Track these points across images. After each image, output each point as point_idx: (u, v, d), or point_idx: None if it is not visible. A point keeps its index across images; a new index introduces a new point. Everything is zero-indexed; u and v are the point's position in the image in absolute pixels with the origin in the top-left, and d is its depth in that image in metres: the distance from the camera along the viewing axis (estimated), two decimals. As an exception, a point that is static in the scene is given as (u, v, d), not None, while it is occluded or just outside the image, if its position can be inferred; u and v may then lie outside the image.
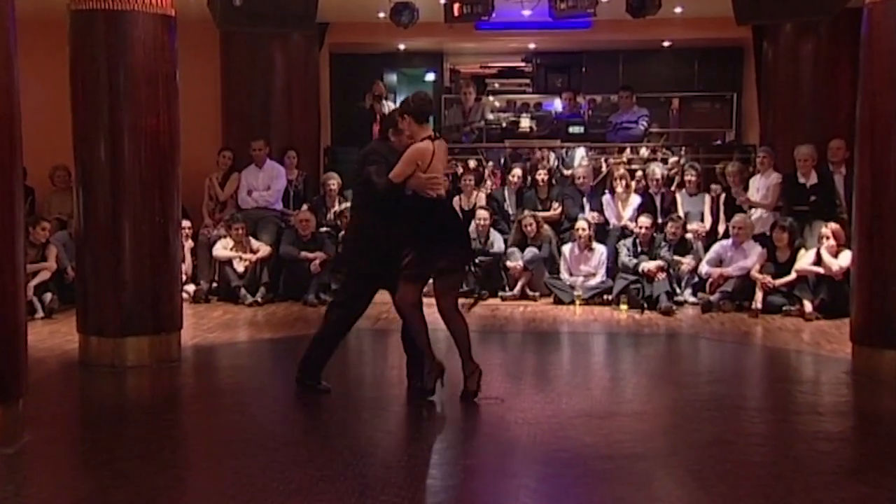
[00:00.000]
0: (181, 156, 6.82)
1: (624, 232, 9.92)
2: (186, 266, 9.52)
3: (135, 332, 6.59)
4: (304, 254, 9.66)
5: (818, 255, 8.78)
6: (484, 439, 5.13)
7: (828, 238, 8.70)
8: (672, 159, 11.46)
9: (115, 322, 6.58)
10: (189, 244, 9.85)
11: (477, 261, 9.84)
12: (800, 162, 9.38)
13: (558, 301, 9.61)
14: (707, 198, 10.18)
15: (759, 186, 9.73)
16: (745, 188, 9.85)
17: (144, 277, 6.59)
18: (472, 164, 11.74)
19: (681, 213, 9.98)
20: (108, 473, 4.43)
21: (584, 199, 10.37)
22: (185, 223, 9.16)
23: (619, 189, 10.13)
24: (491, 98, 13.18)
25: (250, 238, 9.82)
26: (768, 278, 8.94)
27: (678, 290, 9.49)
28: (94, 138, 6.51)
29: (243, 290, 9.46)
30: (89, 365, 6.64)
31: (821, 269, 8.72)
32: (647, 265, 9.27)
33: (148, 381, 6.43)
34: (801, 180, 9.40)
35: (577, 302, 9.50)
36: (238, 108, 10.75)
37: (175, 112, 6.69)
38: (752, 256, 9.15)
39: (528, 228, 9.89)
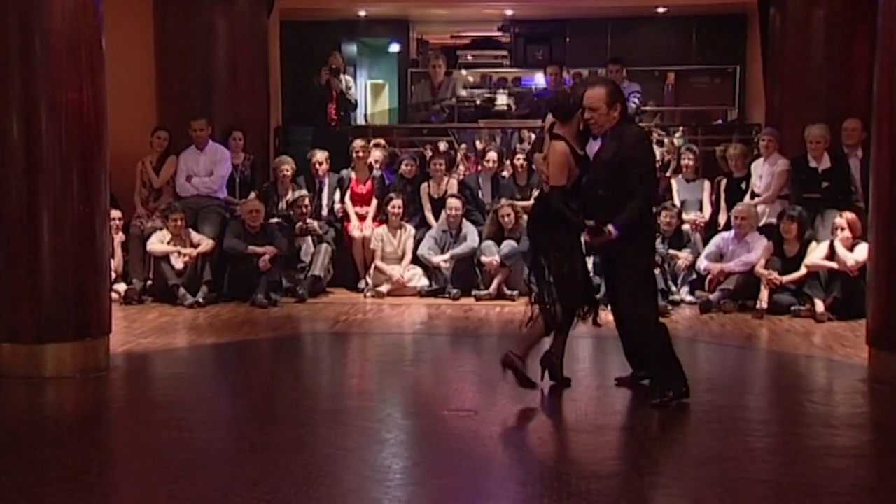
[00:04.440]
0: (109, 136, 6.75)
1: (613, 223, 9.92)
2: (116, 262, 9.45)
3: (55, 338, 6.50)
4: (251, 248, 9.59)
5: (831, 248, 8.84)
6: (454, 456, 5.10)
7: (842, 229, 8.76)
8: (667, 141, 11.50)
9: (32, 326, 6.49)
10: (119, 237, 9.77)
11: (448, 256, 9.92)
12: (811, 144, 9.43)
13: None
14: (706, 184, 10.24)
15: (763, 173, 9.77)
16: (749, 174, 9.90)
17: (66, 275, 6.51)
18: (442, 146, 11.75)
19: (676, 202, 10.02)
20: (21, 502, 4.34)
21: (569, 186, 10.36)
22: (115, 213, 9.10)
23: (608, 174, 10.12)
24: (463, 72, 13.20)
25: (190, 230, 9.75)
26: (775, 274, 8.99)
27: (673, 288, 9.54)
28: (4, 115, 6.40)
29: (182, 290, 9.39)
30: (0, 376, 6.52)
31: (834, 264, 8.78)
32: (640, 260, 9.27)
33: (70, 393, 6.35)
34: (813, 164, 9.45)
35: (561, 302, 9.48)
36: (175, 82, 10.65)
37: (101, 85, 6.61)
38: (757, 250, 9.20)
39: (506, 219, 9.89)
